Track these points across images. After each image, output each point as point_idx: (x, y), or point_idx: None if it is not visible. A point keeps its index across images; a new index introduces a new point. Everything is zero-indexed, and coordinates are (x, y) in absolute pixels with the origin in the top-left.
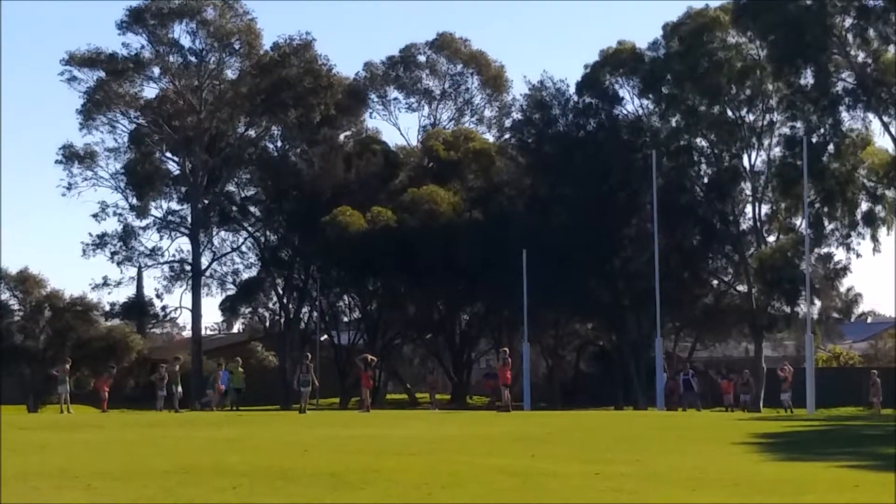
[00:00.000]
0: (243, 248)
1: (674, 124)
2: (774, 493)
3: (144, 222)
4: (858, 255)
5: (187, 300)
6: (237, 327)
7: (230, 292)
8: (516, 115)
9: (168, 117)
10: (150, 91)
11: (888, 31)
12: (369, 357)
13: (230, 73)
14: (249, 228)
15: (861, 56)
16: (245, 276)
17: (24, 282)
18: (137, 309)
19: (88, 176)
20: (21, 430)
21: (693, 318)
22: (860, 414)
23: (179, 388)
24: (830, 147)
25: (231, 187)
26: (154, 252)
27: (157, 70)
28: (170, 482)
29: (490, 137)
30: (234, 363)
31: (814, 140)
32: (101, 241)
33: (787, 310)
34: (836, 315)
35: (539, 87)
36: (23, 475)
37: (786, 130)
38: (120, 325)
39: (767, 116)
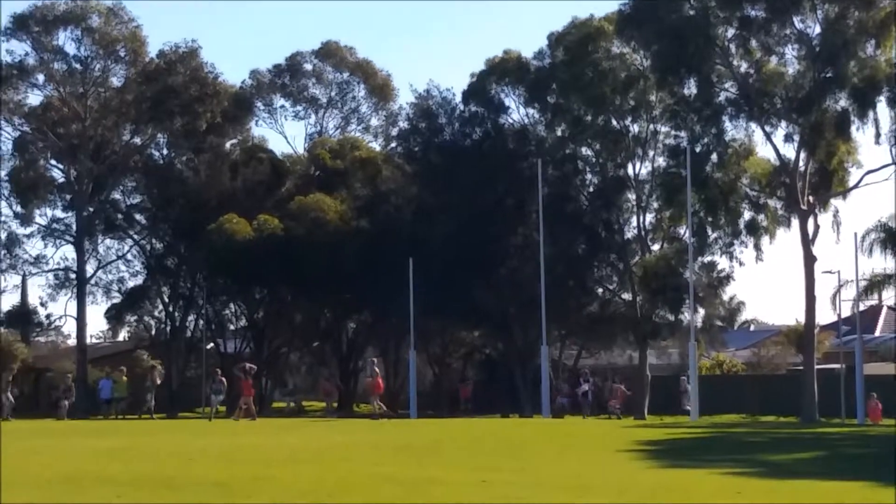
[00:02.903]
0: (129, 256)
1: (559, 133)
2: (658, 499)
3: (29, 230)
4: (741, 264)
5: (72, 308)
6: (122, 335)
7: (115, 300)
8: (403, 124)
9: (53, 125)
10: (34, 98)
11: (770, 42)
12: (248, 365)
13: (116, 81)
14: (135, 236)
15: (744, 66)
16: (130, 284)
17: None
18: (22, 317)
19: None
20: None
21: (579, 325)
22: (743, 421)
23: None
24: (714, 157)
25: (116, 195)
26: (38, 260)
27: (41, 77)
28: (52, 491)
29: (377, 146)
30: (118, 372)
31: (697, 150)
32: None
33: (671, 318)
34: (719, 323)
35: (425, 95)
36: None
37: (669, 140)
38: (4, 334)
39: (651, 126)
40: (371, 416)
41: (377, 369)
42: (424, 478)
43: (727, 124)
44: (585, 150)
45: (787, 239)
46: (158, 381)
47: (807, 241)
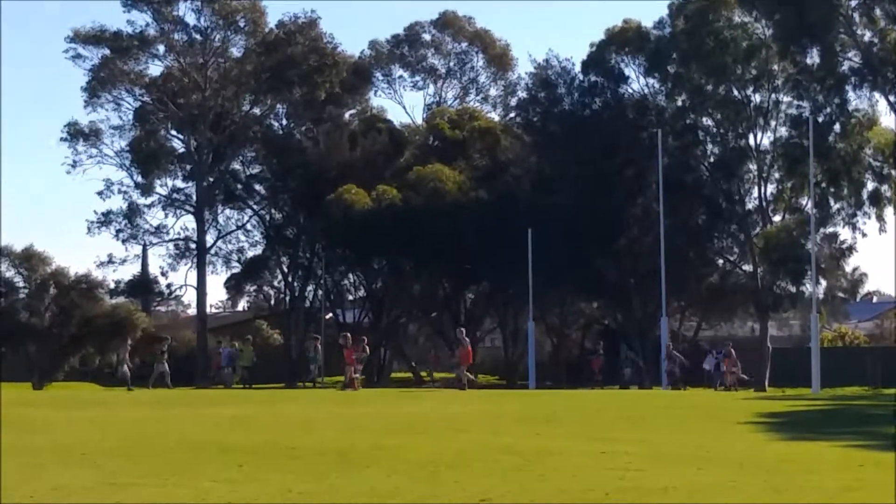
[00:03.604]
0: (248, 226)
1: (679, 103)
2: (780, 472)
3: (149, 200)
4: (864, 235)
5: (192, 278)
6: (242, 305)
7: (235, 270)
8: (522, 94)
9: (173, 95)
10: (154, 69)
11: (894, 10)
12: (347, 335)
13: (235, 51)
14: (254, 206)
15: (867, 35)
16: (250, 254)
17: (30, 259)
18: (142, 286)
19: (93, 153)
20: (27, 407)
21: (698, 297)
22: (865, 394)
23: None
24: (836, 127)
25: (236, 165)
26: (159, 230)
27: (161, 48)
28: (175, 459)
29: (495, 116)
30: (244, 341)
31: (820, 120)
32: (106, 219)
33: (793, 289)
34: (841, 294)
35: (544, 65)
36: (29, 452)
37: (792, 110)
38: (125, 303)
39: (773, 96)
40: (459, 385)
41: (466, 339)
42: (543, 448)
43: (850, 94)
44: (706, 121)
45: None
46: (321, 351)
47: None
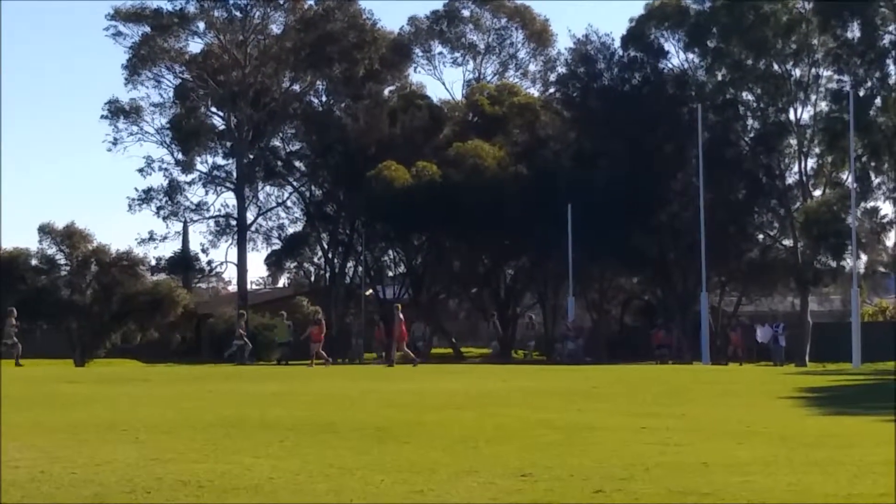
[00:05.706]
0: (288, 203)
1: (720, 78)
2: (821, 446)
3: (190, 177)
4: None
5: (233, 255)
6: (282, 282)
7: (275, 247)
8: (561, 70)
9: (213, 72)
10: (195, 46)
11: None
12: (319, 314)
13: (275, 28)
14: (294, 183)
15: None
16: (290, 230)
17: (71, 237)
18: (183, 263)
19: (134, 131)
20: (68, 383)
21: (739, 272)
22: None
23: None
24: (877, 100)
25: (276, 142)
26: (199, 207)
27: (201, 25)
28: (216, 435)
29: (535, 92)
30: (278, 317)
31: (860, 94)
32: (146, 196)
33: (833, 264)
34: (882, 269)
35: (584, 40)
36: (71, 428)
37: (832, 84)
38: (166, 280)
39: (814, 70)
40: (388, 362)
41: (401, 316)
42: (583, 423)
43: (891, 67)
44: (746, 95)
45: None
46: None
47: None
